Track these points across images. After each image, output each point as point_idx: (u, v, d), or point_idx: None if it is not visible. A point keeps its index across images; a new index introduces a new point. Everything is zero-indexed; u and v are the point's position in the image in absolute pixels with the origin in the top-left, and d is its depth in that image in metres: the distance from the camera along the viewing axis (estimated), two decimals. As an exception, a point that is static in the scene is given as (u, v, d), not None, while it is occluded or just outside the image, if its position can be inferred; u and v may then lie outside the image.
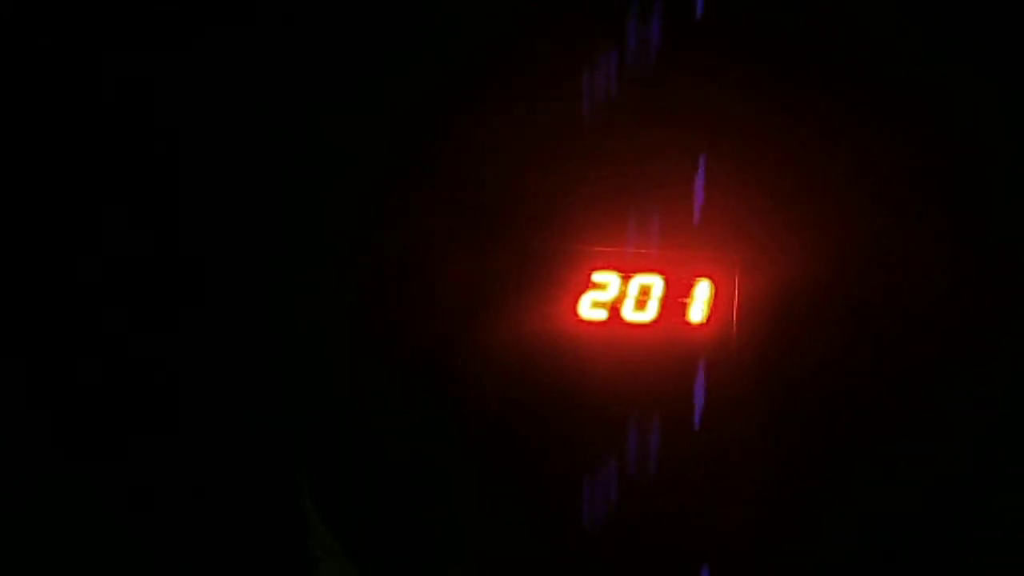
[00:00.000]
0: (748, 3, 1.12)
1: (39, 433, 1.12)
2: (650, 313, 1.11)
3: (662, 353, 1.10)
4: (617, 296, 1.11)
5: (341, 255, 1.14)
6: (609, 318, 1.11)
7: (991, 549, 1.07)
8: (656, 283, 1.11)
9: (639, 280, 1.11)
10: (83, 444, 1.12)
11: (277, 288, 1.14)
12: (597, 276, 1.12)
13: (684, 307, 1.11)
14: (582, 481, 1.09)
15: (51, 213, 1.14)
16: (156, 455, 1.11)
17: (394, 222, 1.13)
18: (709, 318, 1.10)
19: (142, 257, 1.14)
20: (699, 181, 1.11)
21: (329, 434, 1.13)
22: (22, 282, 1.13)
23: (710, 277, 1.11)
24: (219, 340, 1.13)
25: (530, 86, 1.13)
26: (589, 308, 1.11)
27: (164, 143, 1.14)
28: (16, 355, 1.12)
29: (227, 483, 1.11)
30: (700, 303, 1.10)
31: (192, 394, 1.12)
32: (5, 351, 1.12)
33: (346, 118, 1.15)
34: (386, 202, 1.14)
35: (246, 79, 1.14)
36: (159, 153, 1.14)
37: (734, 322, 1.10)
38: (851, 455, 1.08)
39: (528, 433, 1.10)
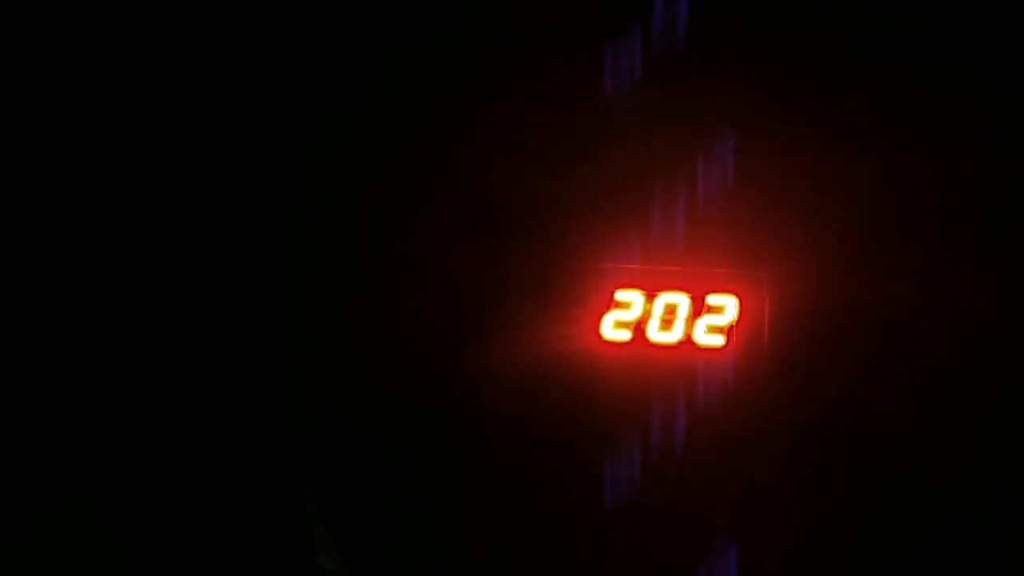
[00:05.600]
0: (776, 15, 1.05)
1: (38, 443, 1.09)
2: (676, 333, 1.07)
3: (689, 375, 1.07)
4: (641, 315, 1.07)
5: (356, 267, 1.10)
6: (633, 338, 1.07)
7: None
8: (682, 302, 1.07)
9: (664, 299, 1.07)
10: (84, 453, 1.10)
11: (293, 300, 1.10)
12: (621, 295, 1.08)
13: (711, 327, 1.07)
14: (603, 507, 1.07)
15: (51, 215, 1.10)
16: (157, 463, 1.09)
17: (410, 235, 1.09)
18: (737, 338, 1.07)
19: (145, 261, 1.10)
20: (726, 196, 1.06)
21: (340, 447, 1.10)
22: (23, 285, 1.09)
23: (738, 295, 1.07)
24: (226, 346, 1.10)
25: (550, 96, 1.07)
26: (612, 328, 1.08)
27: (172, 145, 1.09)
28: (16, 357, 1.09)
29: (231, 494, 1.09)
30: (728, 322, 1.07)
31: (197, 400, 1.09)
32: (6, 353, 1.09)
33: (359, 127, 1.09)
34: (401, 213, 1.09)
35: (257, 82, 1.09)
36: (165, 155, 1.09)
37: (764, 342, 1.06)
38: (884, 475, 1.06)
39: (547, 457, 1.08)
